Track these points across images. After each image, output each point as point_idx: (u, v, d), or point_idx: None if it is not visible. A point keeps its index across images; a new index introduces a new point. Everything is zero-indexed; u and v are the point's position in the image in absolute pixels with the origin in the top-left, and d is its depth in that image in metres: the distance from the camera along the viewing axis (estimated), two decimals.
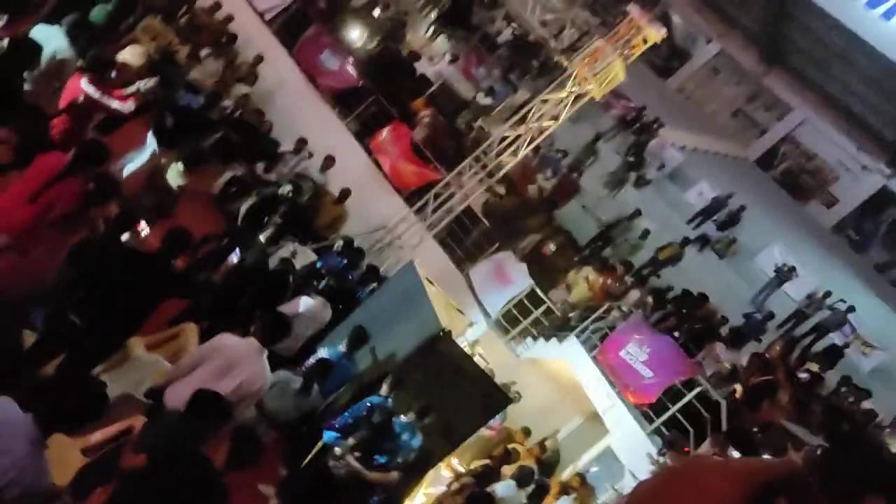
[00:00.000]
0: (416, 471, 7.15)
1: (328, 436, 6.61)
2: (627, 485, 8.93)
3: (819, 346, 12.76)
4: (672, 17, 22.21)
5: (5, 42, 6.04)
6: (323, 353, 7.04)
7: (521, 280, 11.05)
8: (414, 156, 12.37)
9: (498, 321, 11.00)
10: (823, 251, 19.04)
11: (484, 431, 9.47)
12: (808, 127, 22.69)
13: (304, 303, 7.43)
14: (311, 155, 11.25)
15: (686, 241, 13.41)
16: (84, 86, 6.29)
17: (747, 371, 9.76)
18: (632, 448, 9.28)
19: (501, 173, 11.73)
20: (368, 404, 6.72)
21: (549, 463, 10.25)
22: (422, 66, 14.98)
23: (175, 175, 7.86)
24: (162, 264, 5.48)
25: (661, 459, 8.52)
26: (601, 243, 13.30)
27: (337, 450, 6.46)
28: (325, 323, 7.73)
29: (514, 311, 10.93)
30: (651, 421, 9.30)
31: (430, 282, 8.50)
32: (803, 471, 0.87)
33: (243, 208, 9.44)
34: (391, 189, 12.28)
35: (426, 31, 16.95)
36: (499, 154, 11.41)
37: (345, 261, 10.05)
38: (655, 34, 10.32)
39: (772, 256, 15.59)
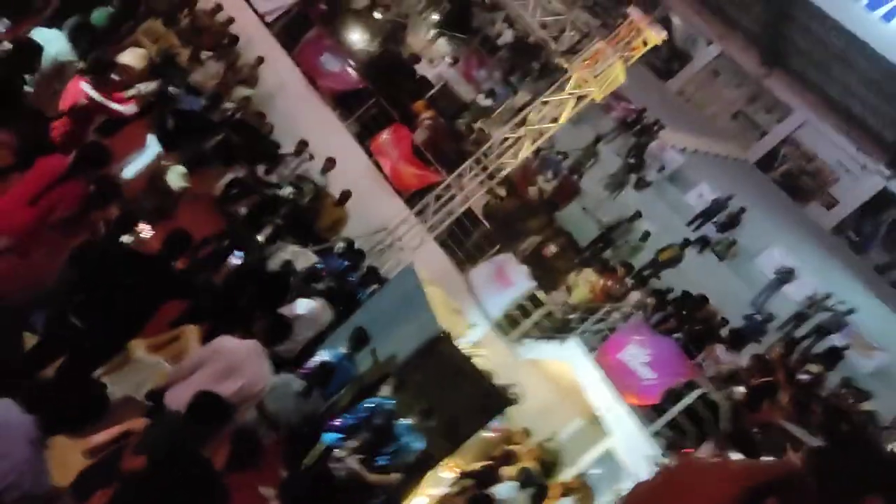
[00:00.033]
0: (416, 472, 7.16)
1: (329, 437, 6.61)
2: (628, 486, 8.92)
3: (819, 347, 12.75)
4: (672, 19, 22.22)
5: (7, 45, 6.06)
6: (324, 354, 7.04)
7: (521, 282, 11.06)
8: (414, 158, 12.39)
9: (498, 323, 11.00)
10: (823, 252, 19.03)
11: (485, 433, 9.48)
12: (808, 128, 22.68)
13: (305, 305, 7.44)
14: (311, 157, 11.28)
15: (686, 243, 13.41)
16: (85, 88, 6.31)
17: (748, 372, 9.77)
18: (632, 449, 9.28)
19: (502, 175, 11.74)
20: (369, 406, 6.72)
21: (549, 464, 10.24)
22: (422, 69, 15.00)
23: (177, 177, 7.87)
24: (163, 266, 5.49)
25: (662, 461, 8.52)
26: (602, 245, 13.31)
27: (339, 452, 6.47)
28: (326, 325, 7.74)
29: (515, 313, 10.93)
30: (652, 422, 9.30)
31: (431, 283, 8.52)
32: (798, 471, 0.88)
33: (243, 209, 9.46)
34: (392, 191, 12.29)
35: (427, 34, 16.97)
36: (499, 156, 11.42)
37: (345, 262, 10.07)
38: (656, 36, 10.33)
39: (772, 258, 15.60)
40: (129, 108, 6.73)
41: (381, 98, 13.09)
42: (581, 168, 15.24)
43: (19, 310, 4.89)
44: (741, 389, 9.35)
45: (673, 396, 9.30)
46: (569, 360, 10.42)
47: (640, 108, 18.70)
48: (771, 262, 15.39)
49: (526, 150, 11.30)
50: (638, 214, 13.53)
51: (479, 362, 8.53)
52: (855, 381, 10.99)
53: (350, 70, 13.40)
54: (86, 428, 3.58)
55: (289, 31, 13.78)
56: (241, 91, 11.72)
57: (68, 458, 3.85)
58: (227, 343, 5.11)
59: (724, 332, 10.92)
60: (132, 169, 7.58)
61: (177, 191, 7.88)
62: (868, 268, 20.99)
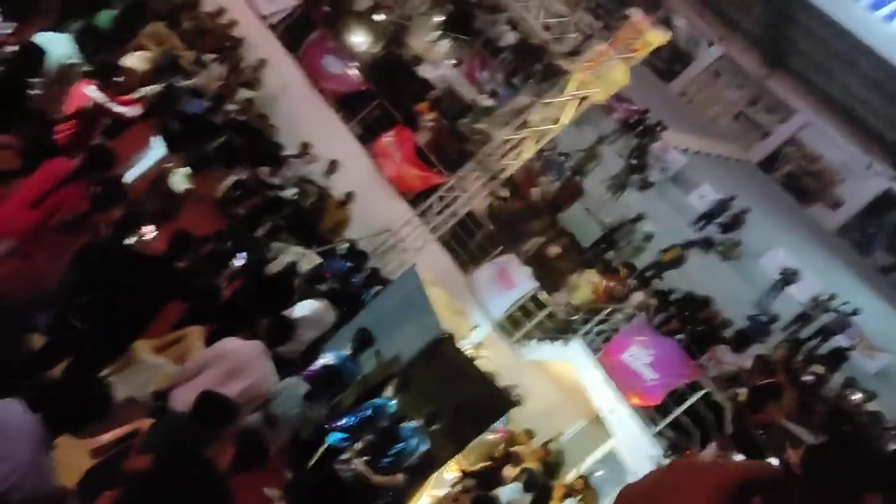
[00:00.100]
0: (420, 473, 7.17)
1: (333, 437, 6.63)
2: None
3: (824, 348, 12.74)
4: (674, 21, 22.22)
5: (12, 48, 6.09)
6: (328, 356, 7.06)
7: (524, 283, 11.07)
8: (417, 159, 12.41)
9: (501, 324, 11.01)
10: (828, 253, 19.01)
11: (488, 435, 9.49)
12: (811, 129, 22.66)
13: (309, 306, 7.45)
14: (314, 159, 11.31)
15: (689, 244, 13.40)
16: (90, 91, 6.34)
17: (751, 373, 9.76)
18: (635, 450, 9.28)
19: (504, 176, 11.75)
20: (373, 406, 6.74)
21: (552, 465, 10.24)
22: (425, 70, 15.01)
23: (180, 179, 7.90)
24: (166, 268, 5.52)
25: (664, 462, 8.52)
26: (604, 246, 13.31)
27: (344, 454, 6.49)
28: (330, 326, 7.75)
29: (518, 314, 10.94)
30: (655, 423, 9.30)
31: (434, 285, 8.53)
32: (781, 473, 0.88)
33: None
34: (395, 192, 12.31)
35: (429, 35, 16.99)
36: (502, 157, 11.43)
37: (349, 264, 10.10)
38: (658, 37, 10.34)
39: (776, 259, 15.57)
40: (133, 111, 6.76)
41: (383, 100, 13.11)
42: (583, 169, 15.24)
43: (22, 311, 4.92)
44: (744, 390, 9.35)
45: (676, 397, 9.30)
46: (572, 361, 10.43)
47: (642, 109, 18.70)
48: (775, 262, 15.37)
49: (528, 152, 11.31)
50: (641, 216, 13.53)
51: (482, 363, 8.55)
52: (858, 382, 10.96)
53: (353, 72, 13.43)
54: (90, 427, 3.60)
55: (291, 33, 13.82)
56: (244, 93, 11.76)
57: (74, 458, 3.87)
58: (232, 344, 5.13)
59: (727, 333, 10.91)
60: (136, 171, 7.62)
61: (180, 192, 7.91)
62: (872, 269, 20.96)
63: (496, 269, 11.57)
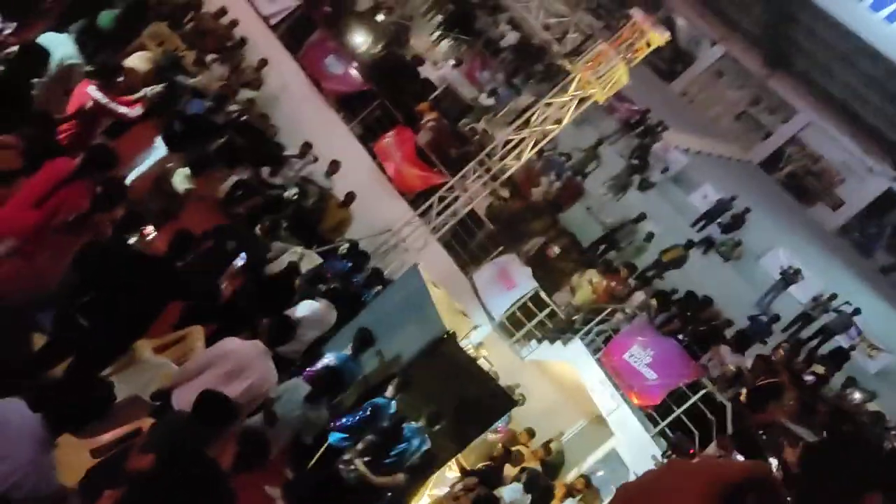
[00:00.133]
0: (421, 473, 7.18)
1: (333, 437, 6.64)
2: None
3: (825, 348, 12.74)
4: (675, 21, 22.22)
5: (14, 49, 6.10)
6: (329, 356, 7.07)
7: (525, 283, 11.06)
8: (418, 159, 12.41)
9: (502, 324, 11.01)
10: (829, 253, 18.99)
11: (489, 435, 9.49)
12: (812, 129, 22.64)
13: (310, 306, 7.46)
14: (316, 159, 11.32)
15: (690, 244, 13.41)
16: (92, 91, 6.35)
17: (752, 373, 9.76)
18: (636, 450, 9.29)
19: (505, 176, 11.75)
20: (373, 406, 6.74)
21: (553, 465, 10.25)
22: (426, 71, 15.03)
23: (182, 179, 7.91)
24: (167, 267, 5.53)
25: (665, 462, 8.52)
26: (605, 246, 13.31)
27: (347, 455, 6.49)
28: (331, 326, 7.76)
29: (519, 314, 10.94)
30: (656, 423, 9.31)
31: (435, 285, 8.54)
32: (779, 473, 0.89)
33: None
34: (396, 193, 12.32)
35: (430, 36, 17.01)
36: (503, 157, 11.44)
37: (350, 264, 10.10)
38: (659, 37, 10.34)
39: (777, 259, 15.57)
40: (135, 111, 6.77)
41: (384, 100, 13.12)
42: (584, 169, 15.24)
43: (24, 311, 4.93)
44: (745, 391, 9.36)
45: (677, 397, 9.30)
46: (573, 360, 10.44)
47: (643, 109, 18.70)
48: (776, 262, 15.36)
49: (529, 152, 11.31)
50: (642, 216, 13.53)
51: (483, 363, 8.56)
52: (858, 382, 10.96)
53: (354, 72, 13.44)
54: (91, 426, 3.61)
55: (293, 33, 13.83)
56: (246, 93, 11.77)
57: (75, 457, 3.88)
58: (233, 344, 5.14)
59: (728, 332, 10.92)
60: (137, 172, 7.62)
61: (182, 193, 7.92)
62: (873, 269, 20.94)
63: (497, 269, 11.57)
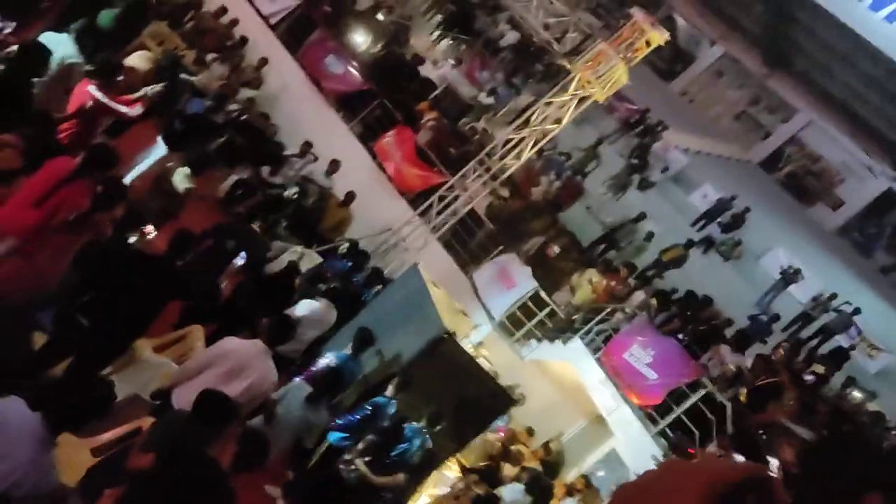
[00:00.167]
0: (421, 472, 7.18)
1: (333, 437, 6.64)
2: None
3: (825, 348, 12.74)
4: (675, 20, 22.22)
5: (14, 48, 6.10)
6: (329, 356, 7.07)
7: (525, 282, 11.06)
8: (418, 159, 12.41)
9: (502, 323, 11.02)
10: (829, 253, 19.01)
11: (490, 435, 9.50)
12: (812, 129, 22.65)
13: (310, 305, 7.46)
14: (316, 158, 11.32)
15: (690, 244, 13.41)
16: (92, 91, 6.35)
17: (752, 373, 9.77)
18: (636, 450, 9.29)
19: (505, 176, 11.76)
20: (373, 405, 6.74)
21: (553, 465, 10.26)
22: (426, 70, 15.03)
23: (182, 178, 7.91)
24: (168, 267, 5.53)
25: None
26: (605, 245, 13.32)
27: (347, 455, 6.49)
28: (331, 325, 7.76)
29: (519, 314, 10.95)
30: (656, 423, 9.31)
31: (435, 284, 8.54)
32: (770, 474, 0.89)
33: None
34: (396, 192, 12.32)
35: (430, 35, 17.00)
36: (503, 157, 11.44)
37: (350, 263, 10.11)
38: (658, 37, 10.34)
39: (777, 259, 15.57)
40: (135, 111, 6.77)
41: (384, 99, 13.12)
42: (584, 169, 15.24)
43: (24, 311, 4.93)
44: (745, 390, 9.36)
45: (677, 397, 9.31)
46: (573, 360, 10.44)
47: (643, 108, 18.70)
48: (776, 262, 15.37)
49: (529, 151, 11.31)
50: (642, 216, 13.54)
51: (483, 363, 8.55)
52: (858, 382, 10.97)
53: (354, 72, 13.44)
54: (91, 425, 3.61)
55: (293, 32, 13.82)
56: (246, 93, 11.77)
57: (75, 456, 3.88)
58: (233, 344, 5.14)
59: (728, 332, 10.92)
60: (137, 171, 7.62)
61: (182, 192, 7.92)
62: (873, 269, 20.95)
63: (497, 268, 11.57)
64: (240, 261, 7.43)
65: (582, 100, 10.83)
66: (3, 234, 4.57)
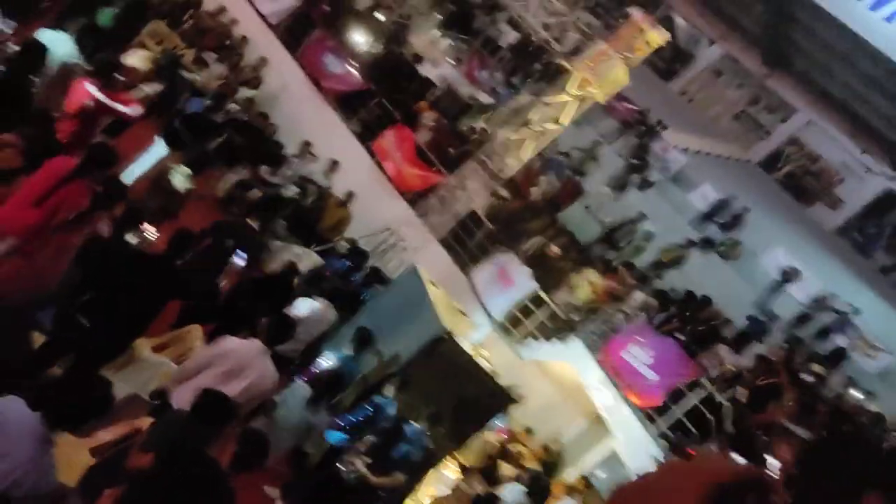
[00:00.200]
0: (419, 471, 7.19)
1: (334, 437, 6.64)
2: None
3: (824, 348, 12.74)
4: (674, 20, 22.20)
5: (13, 47, 6.10)
6: (328, 356, 7.07)
7: (524, 282, 11.06)
8: (417, 159, 12.41)
9: (501, 323, 11.01)
10: (828, 253, 19.00)
11: (490, 436, 9.50)
12: (811, 129, 22.65)
13: (309, 305, 7.46)
14: (315, 158, 11.32)
15: (690, 244, 13.40)
16: (91, 90, 6.34)
17: (752, 373, 9.77)
18: (636, 450, 9.29)
19: (504, 176, 11.76)
20: (373, 404, 6.74)
21: (552, 465, 10.26)
22: (425, 70, 15.02)
23: (181, 178, 7.91)
24: (167, 266, 5.53)
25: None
26: (605, 245, 13.31)
27: (346, 455, 6.50)
28: (330, 325, 7.76)
29: (518, 314, 10.94)
30: (655, 423, 9.31)
31: (434, 284, 8.54)
32: (765, 474, 0.89)
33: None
34: (395, 192, 12.31)
35: (429, 35, 16.99)
36: (502, 157, 11.44)
37: (349, 263, 10.11)
38: (658, 37, 10.34)
39: (776, 259, 15.55)
40: (134, 110, 6.77)
41: (383, 99, 13.11)
42: (583, 168, 15.24)
43: (24, 310, 4.93)
44: (745, 391, 9.36)
45: (676, 397, 9.31)
46: (572, 360, 10.44)
47: (642, 108, 18.70)
48: (775, 262, 15.35)
49: (529, 152, 11.31)
50: (641, 215, 13.53)
51: (483, 363, 8.56)
52: (857, 382, 10.97)
53: (353, 71, 13.43)
54: (90, 425, 3.61)
55: (292, 32, 13.82)
56: (245, 92, 11.77)
57: (75, 456, 3.88)
58: (232, 344, 5.14)
59: (727, 332, 10.92)
60: (136, 170, 7.62)
61: (182, 192, 7.92)
62: (872, 269, 20.95)
63: (496, 268, 11.56)
64: (240, 261, 7.44)
65: (582, 100, 10.83)
66: (3, 233, 4.57)
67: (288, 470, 6.83)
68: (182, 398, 4.60)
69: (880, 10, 15.15)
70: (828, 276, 15.91)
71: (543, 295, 10.86)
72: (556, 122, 11.09)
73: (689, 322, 10.73)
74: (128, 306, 5.03)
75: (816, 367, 10.67)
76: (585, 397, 10.26)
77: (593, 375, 10.05)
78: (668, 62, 24.85)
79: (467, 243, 12.20)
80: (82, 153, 5.06)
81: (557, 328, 10.89)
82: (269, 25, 13.59)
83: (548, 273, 11.68)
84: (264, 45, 12.97)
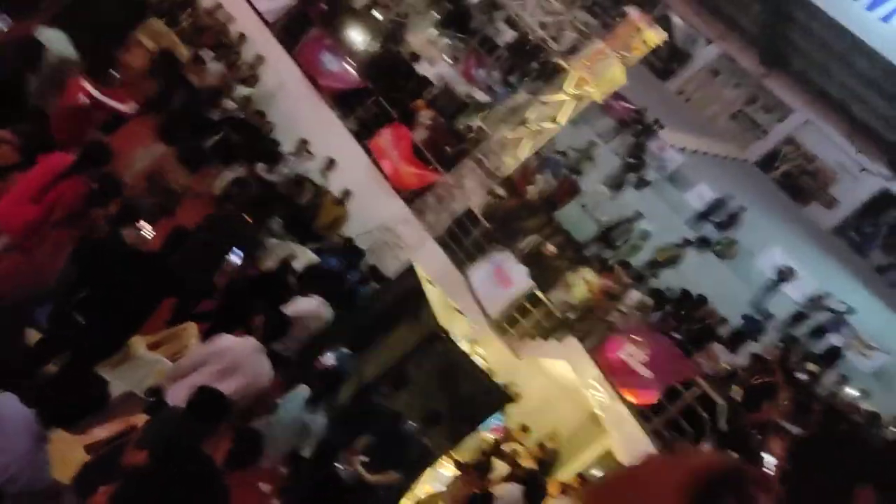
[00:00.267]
0: (415, 469, 7.19)
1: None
2: None
3: (819, 347, 12.77)
4: (672, 19, 22.22)
5: (11, 45, 6.08)
6: (328, 355, 7.07)
7: (520, 281, 11.07)
8: (414, 157, 12.40)
9: (497, 321, 11.02)
10: (823, 253, 19.04)
11: (486, 434, 9.51)
12: (808, 129, 22.69)
13: (305, 303, 7.45)
14: (311, 156, 11.31)
15: (686, 243, 13.43)
16: (87, 87, 6.33)
17: (747, 372, 9.79)
18: (631, 448, 9.30)
19: (501, 174, 11.76)
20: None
21: (548, 463, 10.28)
22: (422, 68, 15.02)
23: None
24: (163, 264, 5.53)
25: None
26: (601, 244, 13.33)
27: (343, 455, 6.50)
28: (325, 323, 7.76)
29: (514, 312, 10.95)
30: (650, 421, 9.32)
31: (430, 282, 8.54)
32: (744, 466, 0.88)
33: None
34: (391, 190, 12.31)
35: (426, 33, 16.99)
36: (499, 155, 11.44)
37: (345, 261, 10.10)
38: (655, 36, 10.35)
39: (772, 258, 15.59)
40: (130, 107, 6.76)
41: (380, 97, 13.10)
42: (579, 167, 15.26)
43: (21, 307, 4.92)
44: (739, 389, 9.38)
45: (671, 396, 9.33)
46: (568, 358, 10.45)
47: (639, 107, 18.72)
48: (771, 261, 15.39)
49: (526, 150, 11.31)
50: (638, 214, 13.55)
51: (479, 361, 8.57)
52: (852, 381, 11.01)
53: (350, 69, 13.42)
54: (85, 422, 3.61)
55: (289, 30, 13.80)
56: (242, 90, 11.75)
57: (69, 453, 3.88)
58: (228, 342, 5.14)
59: (723, 331, 10.94)
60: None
61: (178, 189, 7.88)
62: (868, 268, 21.00)
63: (492, 266, 11.57)
64: (235, 259, 7.43)
65: (579, 99, 10.84)
66: (0, 230, 4.56)
67: (284, 469, 6.82)
68: (177, 396, 4.60)
69: (877, 10, 15.19)
70: (823, 276, 15.95)
71: (540, 293, 10.87)
72: (553, 120, 11.09)
73: (685, 321, 10.76)
74: (123, 304, 5.03)
75: (811, 366, 10.71)
76: (581, 395, 10.27)
77: (589, 373, 10.07)
78: (666, 61, 24.87)
79: (464, 242, 12.20)
80: (78, 150, 5.05)
81: (553, 327, 10.90)
82: (266, 23, 13.58)
83: (544, 272, 11.69)
84: (261, 42, 12.95)
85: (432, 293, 8.25)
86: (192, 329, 6.26)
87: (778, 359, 10.35)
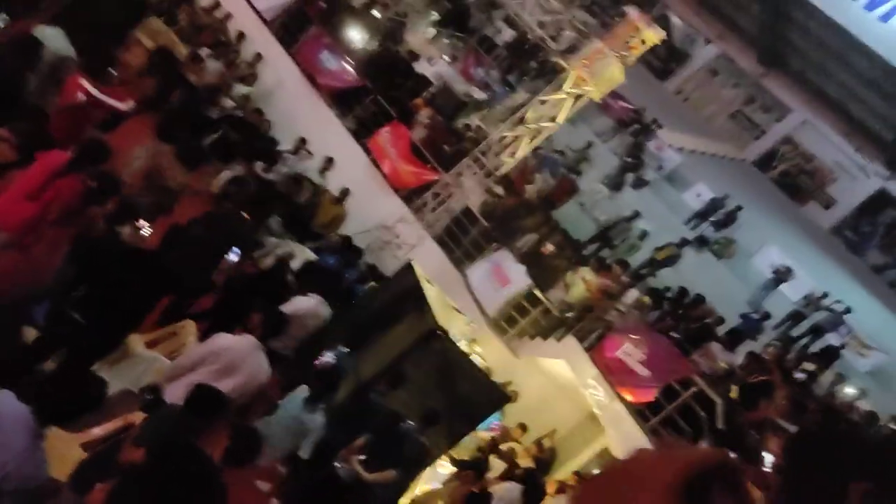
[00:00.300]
0: (414, 468, 7.19)
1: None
2: None
3: (816, 346, 12.80)
4: (670, 18, 22.24)
5: (9, 42, 6.08)
6: (325, 354, 7.06)
7: (519, 280, 11.08)
8: (412, 156, 12.40)
9: (496, 320, 11.03)
10: (821, 252, 19.08)
11: (484, 433, 9.51)
12: (806, 128, 22.73)
13: (302, 301, 7.45)
14: (310, 154, 11.30)
15: (684, 242, 13.45)
16: (85, 85, 6.33)
17: (744, 371, 9.81)
18: (629, 447, 9.26)
19: (500, 173, 11.76)
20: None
21: (546, 462, 10.28)
22: (420, 67, 15.02)
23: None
24: (160, 262, 5.53)
25: None
26: (599, 244, 13.35)
27: (342, 454, 6.50)
28: (323, 321, 7.75)
29: (512, 311, 10.96)
30: (648, 420, 9.34)
31: (429, 281, 8.54)
32: (736, 460, 0.88)
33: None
34: (390, 189, 12.31)
35: (425, 32, 16.99)
36: (497, 154, 11.45)
37: (343, 259, 10.10)
38: (653, 36, 10.36)
39: (769, 257, 15.63)
40: (128, 105, 6.75)
41: (379, 96, 13.10)
42: (578, 166, 15.27)
43: (18, 305, 4.92)
44: (736, 388, 9.40)
45: (669, 394, 9.34)
46: (566, 357, 10.46)
47: (637, 107, 18.74)
48: (768, 261, 15.43)
49: (524, 149, 11.32)
50: (636, 214, 13.56)
51: (477, 360, 8.57)
52: (849, 380, 11.03)
53: (348, 68, 13.42)
54: (82, 420, 3.60)
55: (287, 28, 13.80)
56: (240, 88, 11.74)
57: (66, 451, 3.87)
58: (227, 341, 5.14)
59: (720, 330, 10.96)
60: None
61: (175, 188, 7.87)
62: (865, 268, 21.04)
63: (490, 265, 11.57)
64: (233, 257, 7.42)
65: (577, 98, 10.84)
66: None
67: (282, 467, 6.82)
68: (175, 394, 4.60)
69: (875, 10, 15.21)
70: (821, 275, 15.99)
71: (538, 292, 10.87)
72: (552, 120, 11.09)
73: (683, 320, 10.77)
74: (121, 302, 5.03)
75: (809, 365, 10.73)
76: (579, 394, 10.28)
77: (587, 372, 10.08)
78: (664, 61, 24.89)
79: (462, 240, 12.21)
80: (76, 148, 5.05)
81: (552, 326, 10.91)
82: (265, 21, 13.57)
83: (542, 271, 11.70)
84: (260, 41, 12.94)
85: (431, 292, 8.24)
86: (190, 327, 6.25)
87: (775, 358, 10.37)
